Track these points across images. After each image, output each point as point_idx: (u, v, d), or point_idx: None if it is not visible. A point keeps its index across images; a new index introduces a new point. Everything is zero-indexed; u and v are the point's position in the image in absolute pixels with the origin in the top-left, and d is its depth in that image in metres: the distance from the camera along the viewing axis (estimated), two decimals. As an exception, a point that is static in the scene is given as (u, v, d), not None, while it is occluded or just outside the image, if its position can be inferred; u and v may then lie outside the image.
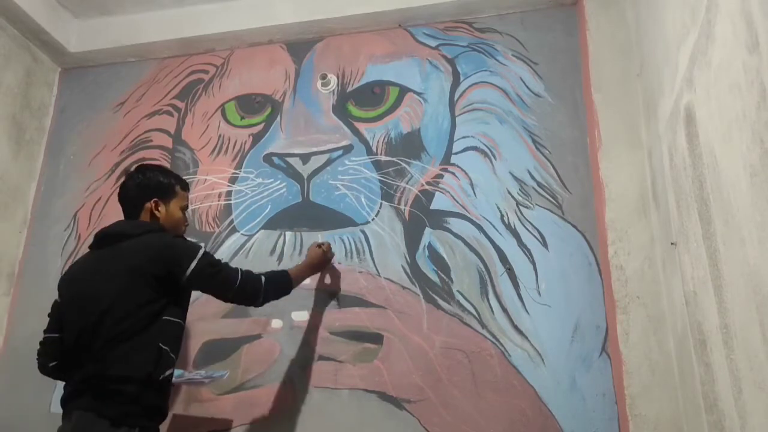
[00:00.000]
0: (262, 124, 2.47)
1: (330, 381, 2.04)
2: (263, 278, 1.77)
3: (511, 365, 1.95)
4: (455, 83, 2.36)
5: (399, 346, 2.04)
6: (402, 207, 2.22)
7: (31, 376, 2.00)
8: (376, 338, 2.06)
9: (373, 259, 2.17)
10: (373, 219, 2.22)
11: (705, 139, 1.39)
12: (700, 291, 1.49)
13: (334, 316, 2.12)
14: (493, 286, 2.05)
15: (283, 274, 1.87)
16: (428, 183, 2.24)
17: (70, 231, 2.48)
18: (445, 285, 2.09)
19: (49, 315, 1.76)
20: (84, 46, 2.69)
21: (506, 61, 2.34)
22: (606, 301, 1.96)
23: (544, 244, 2.07)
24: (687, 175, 1.54)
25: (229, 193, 2.39)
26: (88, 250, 1.77)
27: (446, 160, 2.26)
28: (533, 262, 2.06)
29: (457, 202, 2.19)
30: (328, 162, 2.33)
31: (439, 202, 2.20)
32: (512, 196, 2.15)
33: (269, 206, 2.32)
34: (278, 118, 2.46)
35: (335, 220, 2.24)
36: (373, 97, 2.42)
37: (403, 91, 2.40)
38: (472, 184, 2.20)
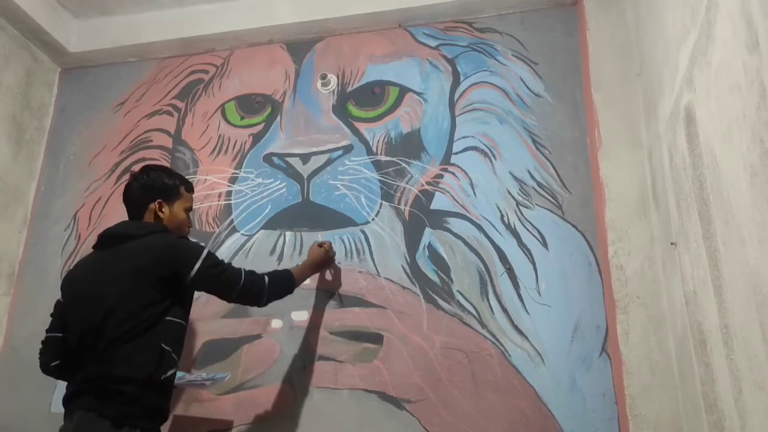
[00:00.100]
0: (262, 124, 2.47)
1: (330, 381, 2.04)
2: (266, 278, 1.77)
3: (511, 365, 1.95)
4: (455, 83, 2.36)
5: (399, 346, 2.04)
6: (402, 207, 2.22)
7: (31, 376, 2.00)
8: (376, 338, 2.06)
9: (373, 259, 2.17)
10: (373, 219, 2.22)
11: (705, 139, 1.39)
12: (700, 291, 1.49)
13: (334, 316, 2.12)
14: (493, 286, 2.06)
15: (286, 273, 1.88)
16: (428, 183, 2.24)
17: (70, 231, 2.48)
18: (445, 285, 2.09)
19: (51, 315, 1.76)
20: (84, 46, 2.69)
21: (506, 61, 2.34)
22: (606, 301, 1.96)
23: (544, 244, 2.07)
24: (687, 175, 1.54)
25: (229, 193, 2.39)
26: (89, 250, 1.77)
27: (446, 160, 2.26)
28: (533, 262, 2.06)
29: (457, 202, 2.19)
30: (328, 162, 2.33)
31: (439, 202, 2.20)
32: (512, 196, 2.15)
33: (269, 206, 2.32)
34: (278, 118, 2.46)
35: (335, 220, 2.24)
36: (373, 97, 2.42)
37: (403, 91, 2.40)
38: (472, 184, 2.20)
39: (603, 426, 1.84)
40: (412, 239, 2.17)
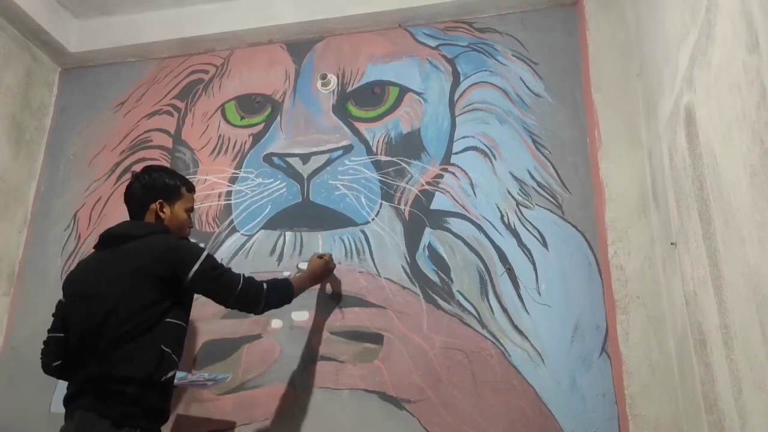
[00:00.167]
0: (262, 124, 2.47)
1: (330, 381, 2.04)
2: (265, 285, 1.75)
3: (511, 365, 1.95)
4: (455, 83, 2.36)
5: (399, 346, 2.04)
6: (402, 207, 2.22)
7: (31, 376, 2.01)
8: (376, 338, 2.06)
9: (373, 259, 2.17)
10: (373, 219, 2.22)
11: (705, 139, 1.39)
12: (700, 291, 1.49)
13: (334, 316, 2.12)
14: (493, 286, 2.06)
15: (285, 283, 1.86)
16: (428, 183, 2.24)
17: (70, 231, 2.48)
18: (445, 285, 2.09)
19: (53, 315, 1.76)
20: (84, 46, 2.69)
21: (506, 61, 2.34)
22: (606, 301, 1.96)
23: (544, 244, 2.07)
24: (687, 175, 1.54)
25: (229, 193, 2.39)
26: (89, 250, 1.77)
27: (446, 160, 2.26)
28: (533, 262, 2.06)
29: (457, 202, 2.19)
30: (328, 162, 2.33)
31: (439, 202, 2.20)
32: (512, 196, 2.15)
33: (269, 206, 2.32)
34: (278, 118, 2.46)
35: (335, 220, 2.24)
36: (373, 97, 2.42)
37: (403, 91, 2.40)
38: (472, 184, 2.20)
39: (603, 426, 1.84)
40: (412, 239, 2.17)
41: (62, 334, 1.70)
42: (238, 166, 2.42)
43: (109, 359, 1.54)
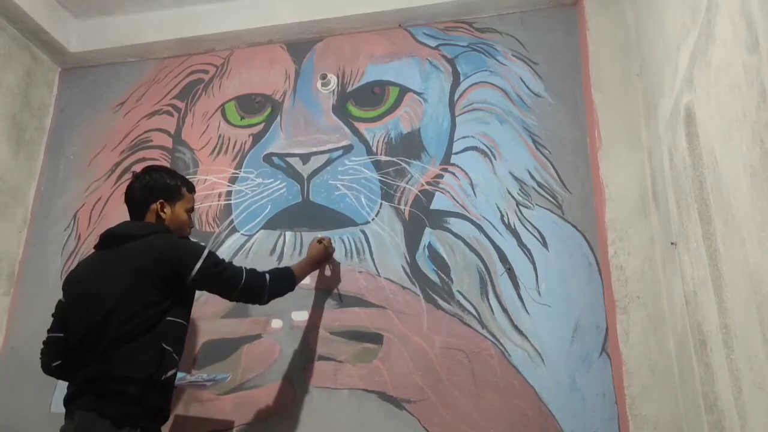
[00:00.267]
0: (262, 124, 2.47)
1: (330, 381, 2.04)
2: (268, 276, 1.77)
3: (511, 365, 1.95)
4: (455, 83, 2.36)
5: (399, 346, 2.04)
6: (402, 207, 2.22)
7: (31, 376, 2.01)
8: (376, 338, 2.06)
9: (373, 259, 2.17)
10: (373, 219, 2.22)
11: (705, 139, 1.39)
12: (700, 291, 1.49)
13: (334, 316, 2.12)
14: (493, 286, 2.05)
15: (287, 271, 1.88)
16: (428, 183, 2.24)
17: (70, 231, 2.48)
18: (445, 285, 2.09)
19: (53, 314, 1.76)
20: (84, 46, 2.69)
21: (506, 61, 2.34)
22: (606, 301, 1.96)
23: (544, 244, 2.07)
24: (687, 175, 1.54)
25: (229, 193, 2.39)
26: (89, 250, 1.78)
27: (446, 160, 2.26)
28: (533, 262, 2.06)
29: (457, 202, 2.19)
30: (328, 162, 2.33)
31: (439, 202, 2.20)
32: (512, 196, 2.15)
33: (269, 206, 2.32)
34: (278, 118, 2.46)
35: (335, 220, 2.24)
36: (373, 97, 2.42)
37: (403, 91, 2.40)
38: (472, 184, 2.20)
39: (603, 426, 1.84)
40: (412, 239, 2.17)
41: (62, 334, 1.70)
42: (238, 166, 2.42)
43: (110, 359, 1.54)
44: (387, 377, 2.01)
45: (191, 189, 1.89)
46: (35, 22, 2.51)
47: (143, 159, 2.50)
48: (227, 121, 2.52)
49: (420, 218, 2.19)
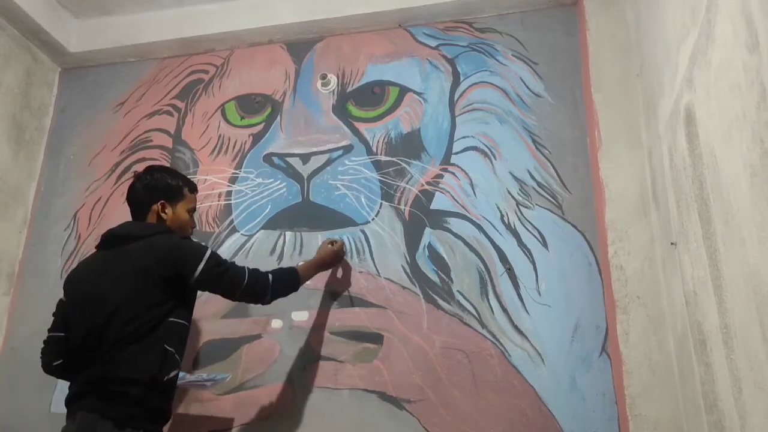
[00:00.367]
0: (262, 124, 2.47)
1: (330, 381, 2.04)
2: (271, 276, 1.76)
3: (511, 365, 1.95)
4: (455, 83, 2.36)
5: (399, 346, 2.04)
6: (402, 207, 2.22)
7: (31, 376, 2.01)
8: (376, 338, 2.06)
9: (373, 259, 2.17)
10: (373, 219, 2.22)
11: (705, 139, 1.39)
12: (700, 291, 1.49)
13: (334, 316, 2.12)
14: (493, 286, 2.05)
15: (291, 271, 1.87)
16: (428, 183, 2.24)
17: (70, 231, 2.48)
18: (445, 285, 2.09)
19: (54, 314, 1.76)
20: (84, 46, 2.69)
21: (506, 61, 2.34)
22: (606, 301, 1.96)
23: (544, 244, 2.07)
24: (687, 175, 1.54)
25: (229, 193, 2.39)
26: (89, 250, 1.77)
27: (446, 160, 2.26)
28: (533, 262, 2.06)
29: (457, 202, 2.19)
30: (328, 162, 2.33)
31: (439, 202, 2.20)
32: (512, 196, 2.15)
33: (269, 206, 2.32)
34: (278, 118, 2.46)
35: (335, 220, 2.24)
36: (373, 97, 2.42)
37: (403, 91, 2.40)
38: (472, 184, 2.20)
39: (603, 426, 1.84)
40: (412, 239, 2.17)
41: (63, 334, 1.70)
42: (238, 166, 2.42)
43: (113, 360, 1.54)
44: (387, 377, 2.01)
45: (193, 189, 1.88)
46: (35, 22, 2.51)
47: (143, 159, 2.50)
48: (227, 121, 2.52)
49: (420, 218, 2.19)
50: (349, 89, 2.45)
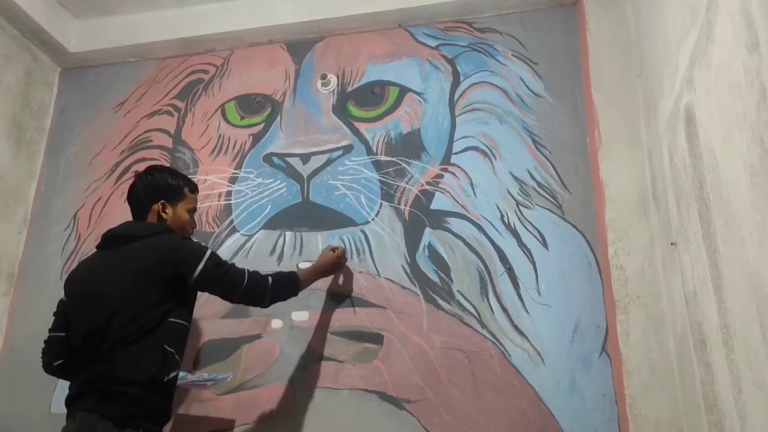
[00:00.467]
0: (262, 124, 2.47)
1: (330, 381, 2.04)
2: (270, 279, 1.76)
3: (511, 365, 1.95)
4: (455, 83, 2.36)
5: (399, 346, 2.04)
6: (402, 207, 2.22)
7: (31, 376, 2.01)
8: (376, 338, 2.06)
9: (373, 259, 2.17)
10: (373, 219, 2.22)
11: (705, 139, 1.39)
12: (700, 291, 1.49)
13: (334, 316, 2.12)
14: (493, 286, 2.05)
15: (291, 275, 1.87)
16: (428, 183, 2.24)
17: (70, 231, 2.48)
18: (445, 285, 2.09)
19: (54, 314, 1.76)
20: (84, 46, 2.69)
21: (506, 61, 2.34)
22: (606, 301, 1.96)
23: (544, 244, 2.07)
24: (687, 175, 1.54)
25: (229, 193, 2.39)
26: (89, 250, 1.78)
27: (446, 160, 2.26)
28: (533, 262, 2.06)
29: (457, 202, 2.19)
30: (328, 162, 2.33)
31: (439, 202, 2.20)
32: (512, 196, 2.15)
33: (269, 206, 2.32)
34: (278, 118, 2.46)
35: (335, 220, 2.24)
36: (373, 97, 2.42)
37: (403, 91, 2.40)
38: (472, 184, 2.20)
39: (603, 426, 1.84)
40: (412, 239, 2.17)
41: (63, 334, 1.70)
42: (238, 166, 2.42)
43: (113, 360, 1.54)
44: (387, 377, 2.01)
45: (194, 189, 1.88)
46: (35, 22, 2.51)
47: (143, 159, 2.50)
48: (227, 121, 2.52)
49: (420, 218, 2.19)
50: (349, 89, 2.45)
